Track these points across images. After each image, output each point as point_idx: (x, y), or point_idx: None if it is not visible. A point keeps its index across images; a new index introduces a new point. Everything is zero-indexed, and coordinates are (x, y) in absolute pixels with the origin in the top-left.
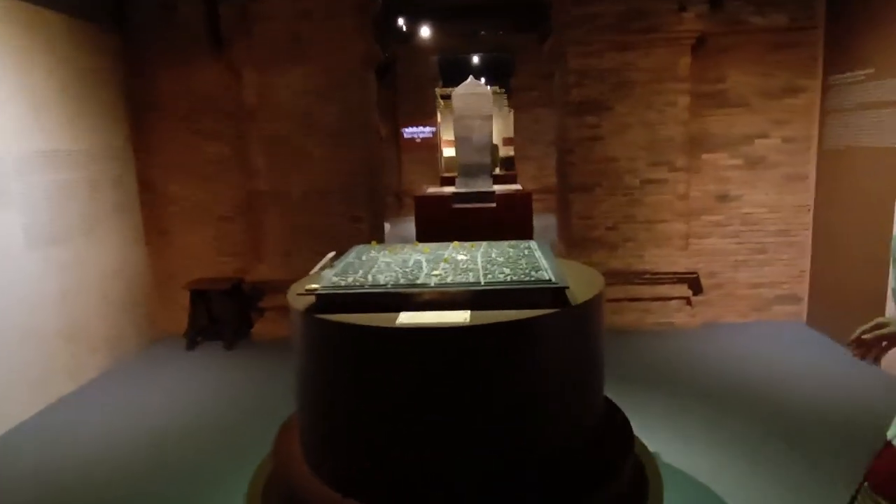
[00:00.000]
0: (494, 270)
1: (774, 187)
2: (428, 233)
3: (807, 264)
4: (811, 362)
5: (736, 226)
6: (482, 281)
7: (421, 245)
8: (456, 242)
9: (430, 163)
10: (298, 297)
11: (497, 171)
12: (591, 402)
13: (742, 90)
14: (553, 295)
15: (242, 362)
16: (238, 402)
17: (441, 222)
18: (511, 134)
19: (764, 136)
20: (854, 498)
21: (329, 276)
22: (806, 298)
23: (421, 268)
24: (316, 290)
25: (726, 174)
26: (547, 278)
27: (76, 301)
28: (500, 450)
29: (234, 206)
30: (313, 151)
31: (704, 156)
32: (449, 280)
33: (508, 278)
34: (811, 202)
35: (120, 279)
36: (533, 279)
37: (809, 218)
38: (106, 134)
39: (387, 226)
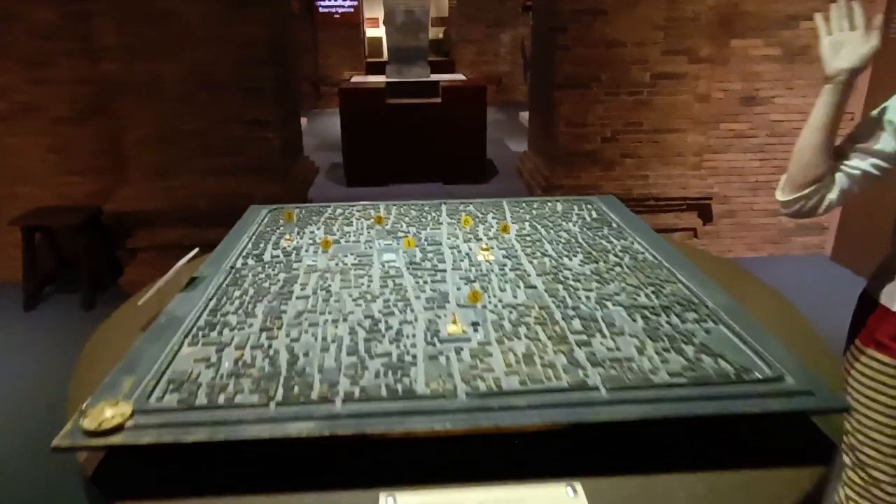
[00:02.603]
0: (596, 317)
1: (815, 88)
2: (358, 136)
3: None
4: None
5: (761, 137)
6: (601, 385)
7: (384, 208)
8: (465, 217)
9: (353, 44)
10: (82, 438)
11: None
12: None
13: None
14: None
15: None
16: None
17: (374, 121)
18: (443, 12)
19: (812, 18)
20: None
21: (169, 341)
22: (834, 228)
23: (409, 307)
24: (120, 426)
25: (757, 68)
26: (769, 374)
27: None
28: None
29: (78, 103)
30: (193, 23)
31: (734, 42)
32: (494, 378)
33: (659, 357)
34: (858, 109)
35: None
36: (741, 380)
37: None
38: None
39: (303, 121)
